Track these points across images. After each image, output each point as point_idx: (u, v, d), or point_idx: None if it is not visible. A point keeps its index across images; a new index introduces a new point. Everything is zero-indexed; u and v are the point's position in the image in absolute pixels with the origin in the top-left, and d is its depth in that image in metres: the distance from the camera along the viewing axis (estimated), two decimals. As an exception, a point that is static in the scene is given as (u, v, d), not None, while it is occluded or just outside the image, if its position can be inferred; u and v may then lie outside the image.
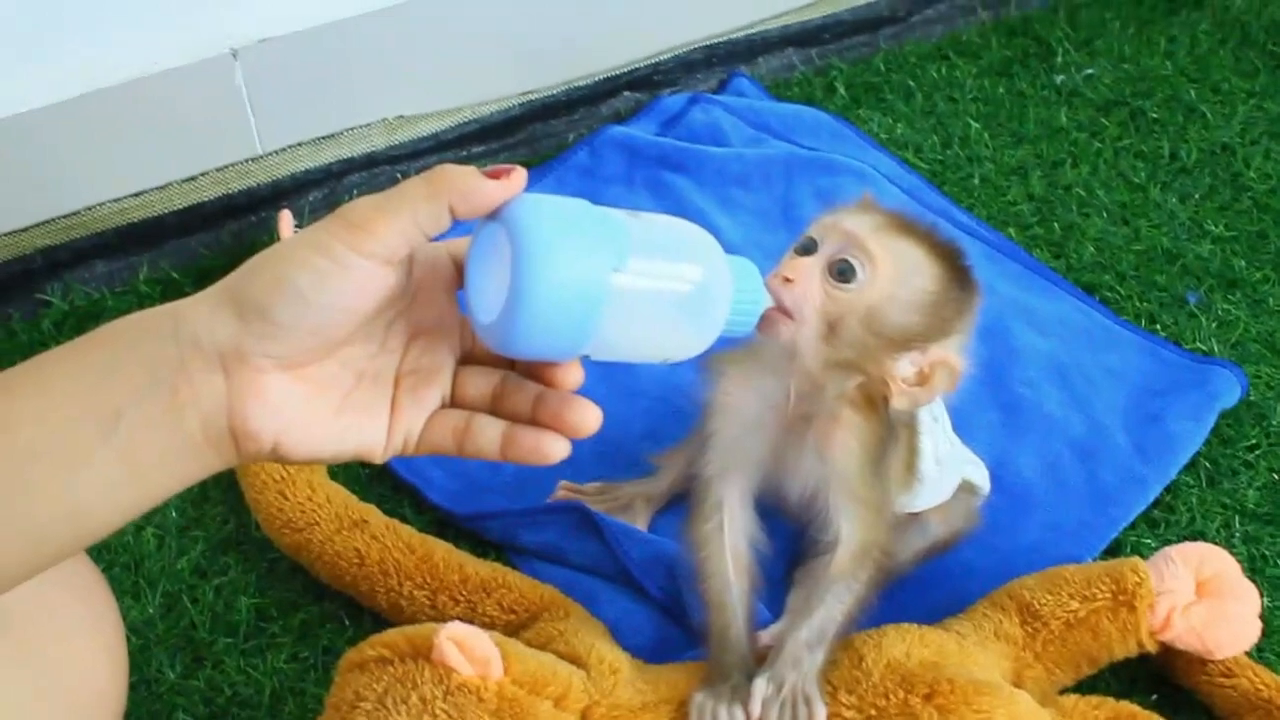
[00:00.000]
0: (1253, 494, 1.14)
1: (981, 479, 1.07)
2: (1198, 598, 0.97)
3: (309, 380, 0.59)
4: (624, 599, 1.05)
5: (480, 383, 0.64)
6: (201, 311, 0.57)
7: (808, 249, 0.86)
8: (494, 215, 0.59)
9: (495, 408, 0.64)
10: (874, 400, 0.88)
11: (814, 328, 0.84)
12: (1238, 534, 1.12)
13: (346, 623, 1.04)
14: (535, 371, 0.63)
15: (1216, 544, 1.09)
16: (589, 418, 0.61)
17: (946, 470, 1.02)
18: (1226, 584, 0.97)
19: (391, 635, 0.87)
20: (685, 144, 1.43)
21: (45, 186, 1.26)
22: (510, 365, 0.64)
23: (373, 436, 0.62)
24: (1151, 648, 0.97)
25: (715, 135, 1.46)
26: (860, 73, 1.58)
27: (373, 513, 1.06)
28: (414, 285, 0.62)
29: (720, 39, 1.55)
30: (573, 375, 0.62)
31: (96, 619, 0.81)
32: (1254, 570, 1.09)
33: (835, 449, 0.89)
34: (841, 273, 0.84)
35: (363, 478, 1.13)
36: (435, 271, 0.63)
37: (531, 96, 1.47)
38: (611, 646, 0.94)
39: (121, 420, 0.56)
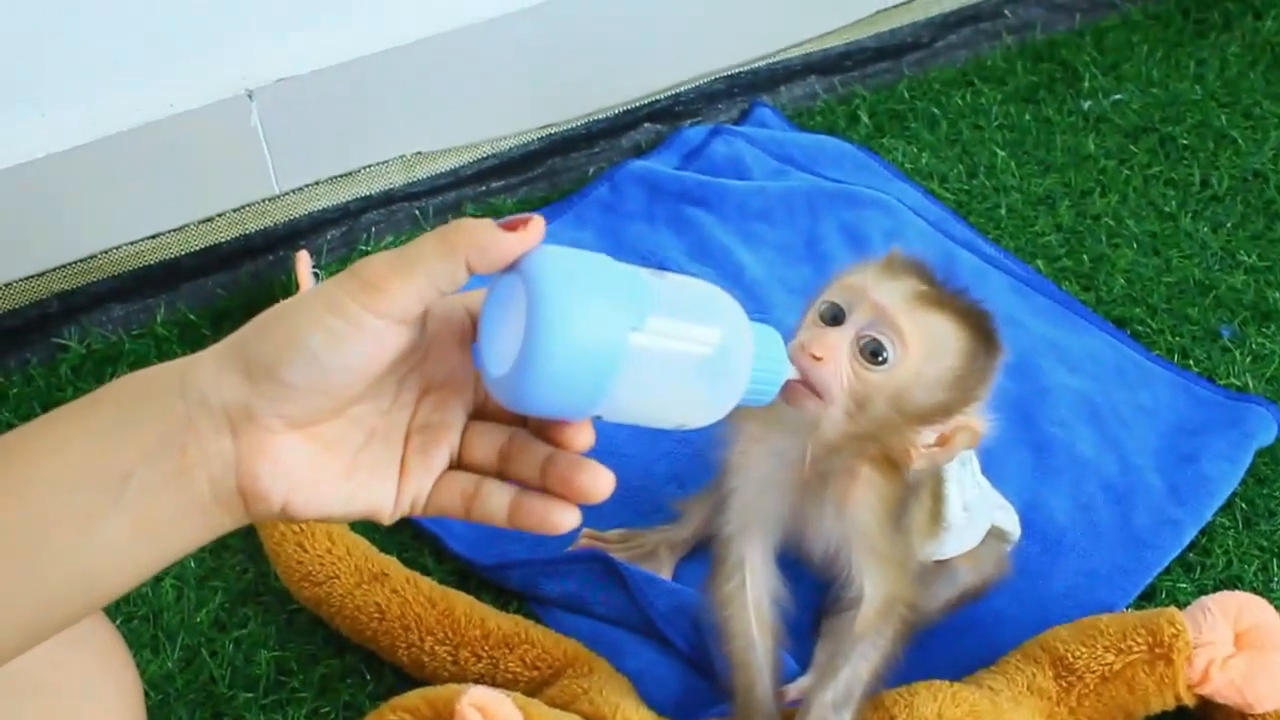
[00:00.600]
0: (1291, 536, 1.12)
1: (1011, 525, 1.05)
2: (1236, 649, 0.95)
3: (319, 439, 0.58)
4: (649, 650, 1.04)
5: (490, 440, 0.62)
6: (209, 369, 0.56)
7: (835, 317, 0.83)
8: (511, 266, 0.57)
9: (504, 468, 0.62)
10: (893, 456, 0.86)
11: (840, 408, 0.82)
12: (1276, 577, 1.09)
13: (368, 677, 1.03)
14: (545, 431, 0.61)
15: (1254, 588, 1.08)
16: (600, 482, 0.59)
17: (975, 517, 1.00)
18: (1266, 635, 0.95)
19: (413, 699, 0.85)
20: (707, 178, 1.41)
21: (61, 231, 1.25)
22: (521, 422, 0.63)
23: (381, 497, 0.60)
24: (1189, 701, 0.95)
25: (737, 167, 1.44)
26: (884, 100, 1.56)
27: (393, 565, 1.04)
28: (428, 339, 0.60)
29: (741, 68, 1.53)
30: (583, 436, 0.60)
31: (114, 677, 0.80)
32: (1293, 617, 1.06)
33: (854, 506, 0.87)
34: (873, 353, 0.81)
35: (383, 526, 1.11)
36: (450, 325, 0.61)
37: (551, 130, 1.46)
38: (636, 706, 0.93)
39: (132, 481, 0.54)
